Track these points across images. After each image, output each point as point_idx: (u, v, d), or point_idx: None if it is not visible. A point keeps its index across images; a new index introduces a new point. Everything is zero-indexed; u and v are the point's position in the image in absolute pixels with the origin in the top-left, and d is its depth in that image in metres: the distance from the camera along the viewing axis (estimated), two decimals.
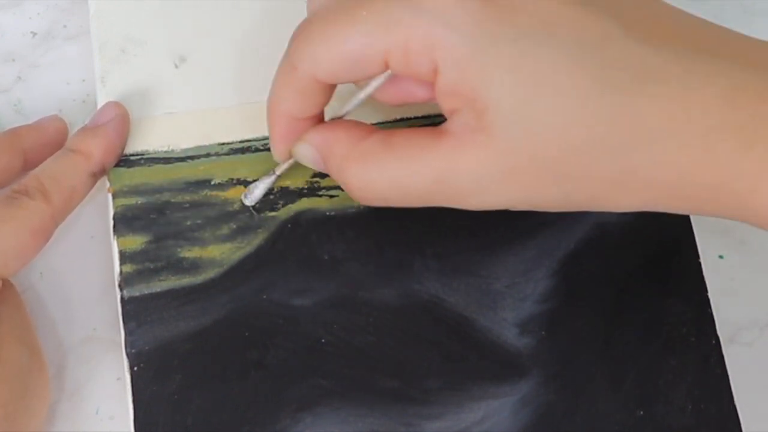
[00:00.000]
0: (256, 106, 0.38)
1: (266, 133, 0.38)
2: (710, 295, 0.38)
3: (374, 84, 0.33)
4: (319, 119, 0.34)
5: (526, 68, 0.29)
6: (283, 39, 0.39)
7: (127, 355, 0.36)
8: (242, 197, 0.37)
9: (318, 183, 0.38)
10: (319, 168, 0.34)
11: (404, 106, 0.36)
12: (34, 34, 0.41)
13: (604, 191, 0.30)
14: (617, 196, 0.30)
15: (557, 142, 0.29)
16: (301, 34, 0.32)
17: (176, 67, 0.39)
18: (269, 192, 0.37)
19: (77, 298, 0.39)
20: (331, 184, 0.38)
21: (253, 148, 0.38)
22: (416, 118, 0.39)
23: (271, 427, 0.35)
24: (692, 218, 0.38)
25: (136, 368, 0.36)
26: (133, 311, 0.36)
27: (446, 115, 0.31)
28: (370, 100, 0.34)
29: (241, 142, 0.38)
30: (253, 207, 0.37)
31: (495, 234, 0.38)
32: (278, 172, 0.37)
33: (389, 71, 0.32)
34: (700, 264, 0.38)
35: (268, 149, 0.38)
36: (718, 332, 0.37)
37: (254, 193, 0.37)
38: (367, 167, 0.32)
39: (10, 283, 0.36)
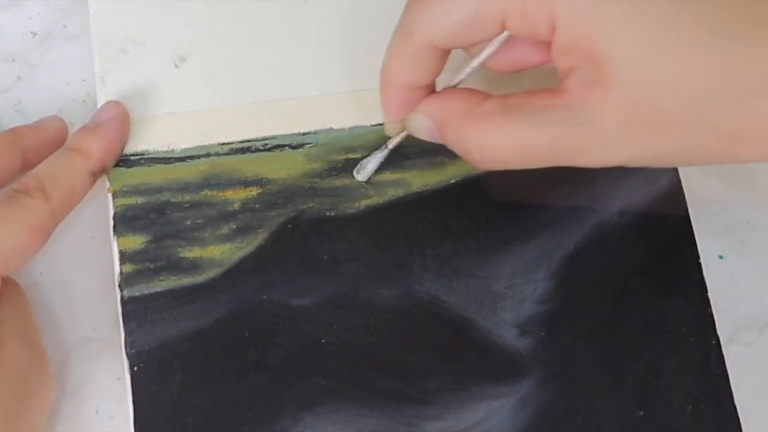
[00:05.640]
0: (256, 106, 0.38)
1: (266, 134, 0.38)
2: (710, 295, 0.38)
3: (490, 48, 0.32)
4: (431, 90, 0.34)
5: (643, 20, 0.29)
6: (283, 39, 0.39)
7: (127, 355, 0.36)
8: (354, 173, 0.37)
9: (318, 183, 0.38)
10: (433, 138, 0.34)
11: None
12: (34, 34, 0.41)
13: (723, 141, 0.30)
14: (736, 146, 0.30)
15: (674, 93, 0.29)
16: (417, 0, 0.32)
17: (176, 67, 0.39)
18: (269, 192, 0.38)
19: (77, 298, 0.39)
20: (330, 185, 0.38)
21: (253, 148, 0.38)
22: None
23: (271, 427, 0.35)
24: (692, 218, 0.38)
25: (136, 368, 0.36)
26: (133, 311, 0.36)
27: (562, 76, 0.31)
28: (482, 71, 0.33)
29: (241, 142, 0.38)
30: (367, 182, 0.37)
31: (494, 235, 0.37)
32: (391, 145, 0.37)
33: (505, 33, 0.31)
34: (700, 264, 0.38)
35: (268, 149, 0.38)
36: (718, 332, 0.37)
37: (367, 168, 0.37)
38: (486, 131, 0.32)
39: (14, 283, 0.36)
